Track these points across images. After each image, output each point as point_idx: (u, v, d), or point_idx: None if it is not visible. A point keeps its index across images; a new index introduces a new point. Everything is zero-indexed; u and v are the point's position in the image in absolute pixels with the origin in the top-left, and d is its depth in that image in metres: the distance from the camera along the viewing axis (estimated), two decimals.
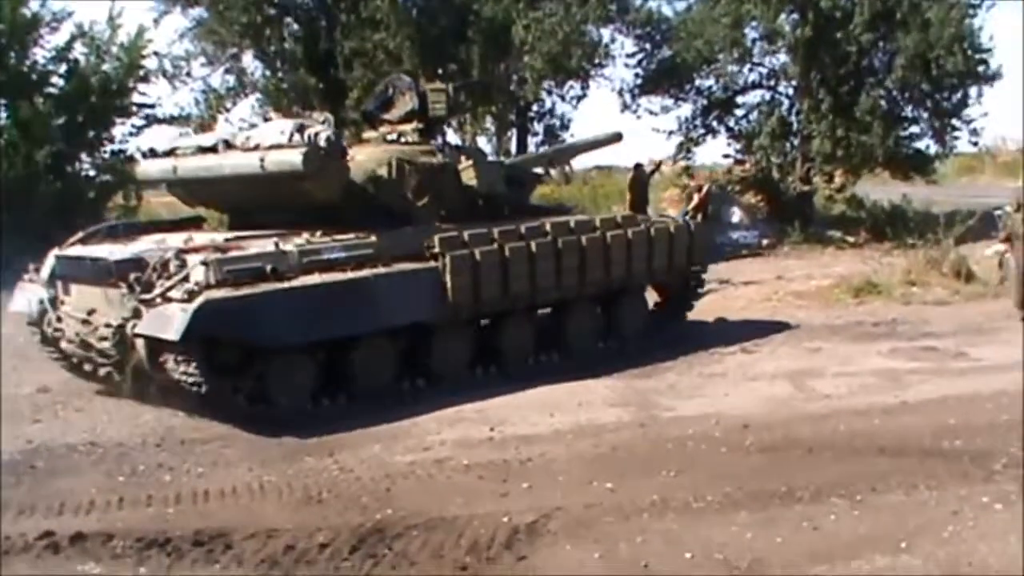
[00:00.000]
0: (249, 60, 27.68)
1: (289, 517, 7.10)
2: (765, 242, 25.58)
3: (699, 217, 21.29)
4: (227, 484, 7.84)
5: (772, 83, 28.39)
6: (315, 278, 9.79)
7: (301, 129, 10.63)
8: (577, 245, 12.00)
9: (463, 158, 12.55)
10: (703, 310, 15.54)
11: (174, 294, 9.12)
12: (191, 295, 8.99)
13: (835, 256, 23.62)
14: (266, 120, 12.83)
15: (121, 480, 8.11)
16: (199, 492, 7.68)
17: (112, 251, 10.21)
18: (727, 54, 26.67)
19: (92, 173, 25.01)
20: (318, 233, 10.31)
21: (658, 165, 21.96)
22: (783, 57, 27.33)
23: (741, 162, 28.99)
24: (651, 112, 28.65)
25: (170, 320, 8.91)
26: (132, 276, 9.45)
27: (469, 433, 9.24)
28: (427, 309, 10.67)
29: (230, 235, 10.62)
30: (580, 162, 27.11)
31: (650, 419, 9.61)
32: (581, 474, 7.90)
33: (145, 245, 10.49)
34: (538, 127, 28.89)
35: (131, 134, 25.45)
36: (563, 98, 28.74)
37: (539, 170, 15.51)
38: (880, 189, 29.13)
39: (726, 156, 29.50)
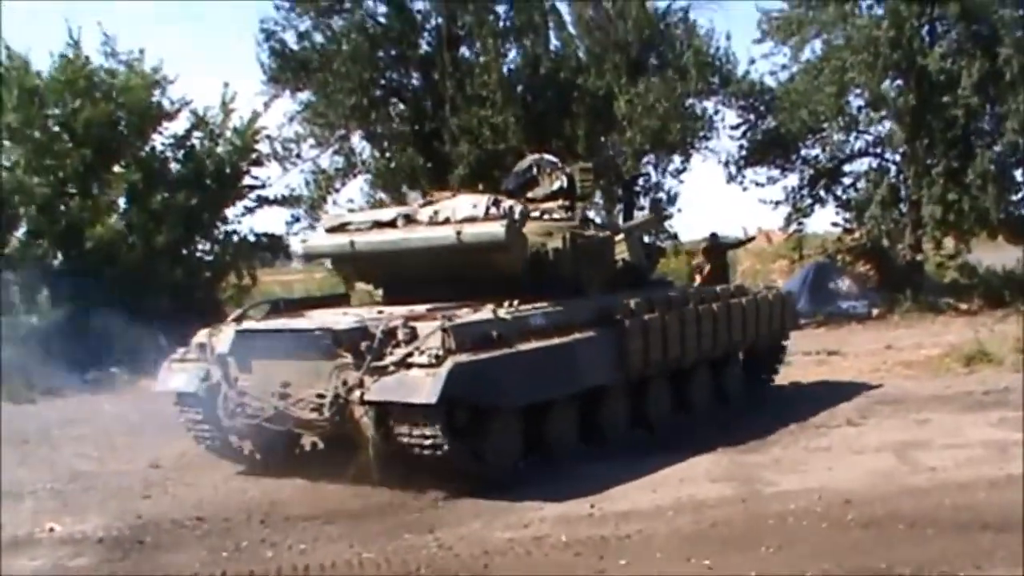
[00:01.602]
0: (357, 141, 28.13)
1: None
2: (875, 311, 25.39)
3: None
4: (327, 560, 7.92)
5: (879, 150, 28.13)
6: (532, 343, 10.36)
7: (496, 203, 11.40)
8: (711, 312, 13.23)
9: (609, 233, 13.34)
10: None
11: (416, 360, 9.42)
12: (439, 359, 9.33)
13: (946, 324, 23.26)
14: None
15: (224, 555, 8.25)
16: (299, 568, 7.77)
17: (325, 322, 10.47)
18: (832, 123, 26.58)
19: (207, 257, 25.65)
20: (515, 303, 10.73)
21: (749, 239, 21.73)
22: (889, 124, 27.13)
23: (850, 231, 28.76)
24: (757, 183, 28.53)
25: (419, 385, 9.24)
26: (363, 345, 9.71)
27: (569, 509, 9.22)
28: (609, 372, 11.47)
29: (428, 306, 10.86)
30: (689, 234, 27.16)
31: (752, 494, 9.51)
32: (679, 551, 7.84)
33: (337, 317, 10.82)
34: (644, 201, 28.74)
35: (243, 215, 26.15)
36: (664, 171, 28.64)
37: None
38: (993, 254, 28.66)
39: (835, 225, 29.35)
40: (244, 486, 10.68)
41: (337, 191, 27.78)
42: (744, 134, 28.29)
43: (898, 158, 27.53)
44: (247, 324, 11.17)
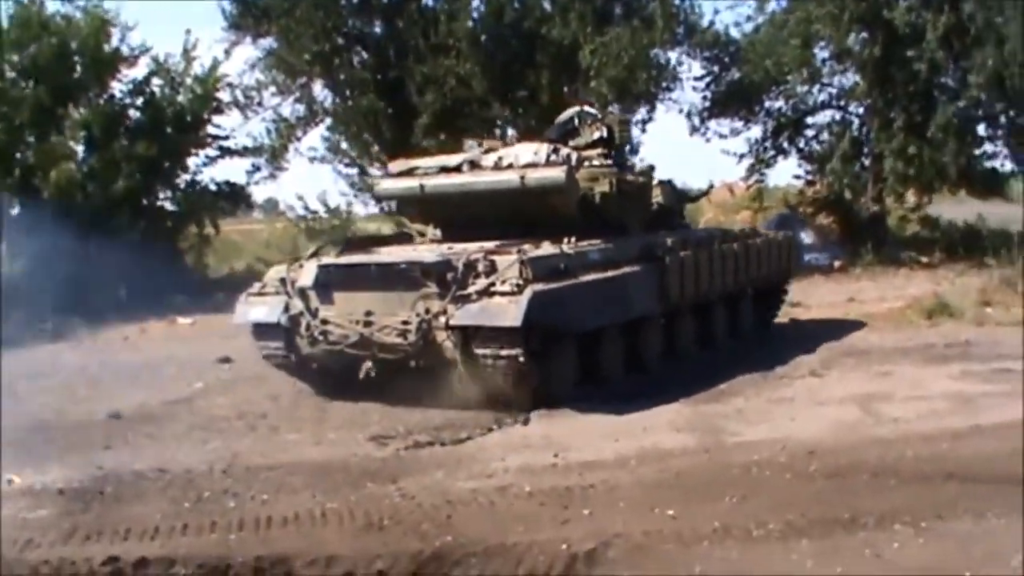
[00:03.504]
0: (319, 89, 27.60)
1: (350, 544, 7.13)
2: (837, 264, 25.44)
3: None
4: (290, 511, 7.89)
5: (842, 103, 28.02)
6: (594, 275, 11.50)
7: (556, 151, 12.58)
8: (732, 251, 14.49)
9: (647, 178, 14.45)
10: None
11: (498, 288, 10.44)
12: (520, 288, 10.36)
13: (908, 277, 23.41)
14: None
15: (186, 506, 8.20)
16: (262, 519, 7.75)
17: (410, 256, 11.52)
18: (796, 75, 26.52)
19: (168, 206, 25.62)
20: (573, 240, 11.80)
21: (707, 191, 21.28)
22: (852, 76, 27.09)
23: (812, 183, 28.74)
24: (720, 135, 28.35)
25: (503, 310, 10.30)
26: (449, 275, 10.76)
27: (533, 459, 9.22)
28: (652, 303, 12.61)
29: (495, 242, 11.88)
30: None
31: (716, 445, 9.52)
32: (643, 500, 7.85)
33: (420, 252, 11.97)
34: None
35: (204, 164, 26.02)
36: (629, 122, 28.08)
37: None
38: (956, 208, 28.76)
39: (797, 177, 29.41)
40: (205, 436, 10.63)
41: (299, 139, 27.32)
42: (708, 85, 28.10)
43: (861, 111, 27.51)
44: (326, 259, 12.01)
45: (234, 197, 26.56)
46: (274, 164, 26.81)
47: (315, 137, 37.13)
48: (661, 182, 14.70)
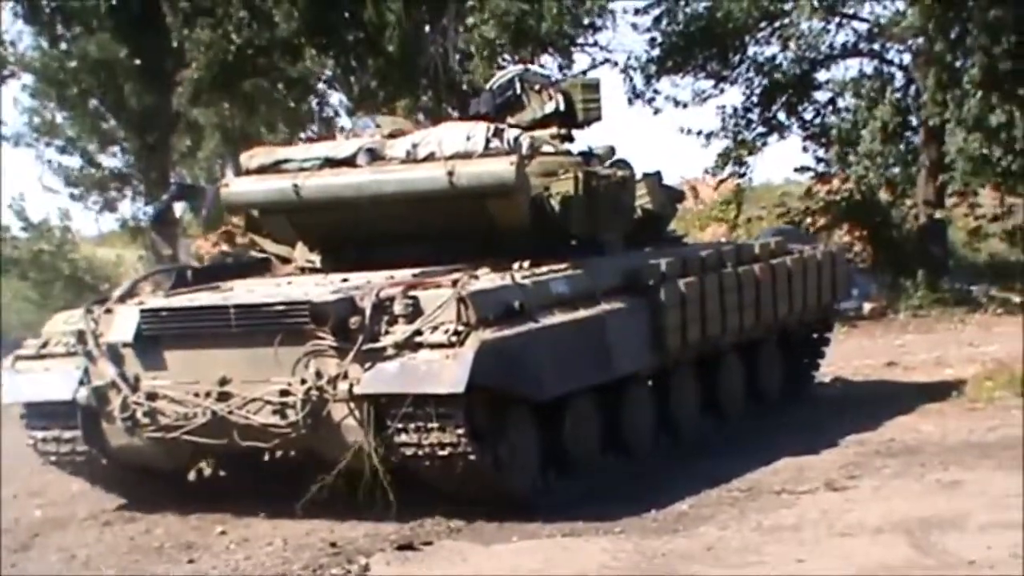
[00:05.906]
0: (8, 20, 21.71)
1: None
2: (868, 306, 21.02)
3: None
4: None
5: (876, 46, 22.56)
6: (563, 316, 9.53)
7: (499, 133, 10.61)
8: (753, 277, 11.96)
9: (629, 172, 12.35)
10: None
11: (427, 338, 8.54)
12: (460, 336, 8.49)
13: (986, 327, 18.99)
14: None
15: None
16: None
17: (291, 295, 9.40)
18: (801, 2, 20.63)
19: None
20: (526, 264, 9.83)
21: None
22: (895, 2, 21.54)
23: (826, 178, 23.52)
24: (677, 102, 22.49)
25: (436, 371, 8.44)
26: (352, 321, 8.77)
27: None
28: (642, 356, 10.47)
29: (412, 270, 9.78)
30: None
31: None
32: None
33: (289, 290, 9.80)
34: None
35: None
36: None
37: None
38: None
39: (801, 169, 23.93)
40: None
41: None
42: (657, 23, 22.02)
43: (907, 59, 22.06)
44: (155, 302, 9.79)
45: None
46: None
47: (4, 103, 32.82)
48: (647, 176, 12.23)
